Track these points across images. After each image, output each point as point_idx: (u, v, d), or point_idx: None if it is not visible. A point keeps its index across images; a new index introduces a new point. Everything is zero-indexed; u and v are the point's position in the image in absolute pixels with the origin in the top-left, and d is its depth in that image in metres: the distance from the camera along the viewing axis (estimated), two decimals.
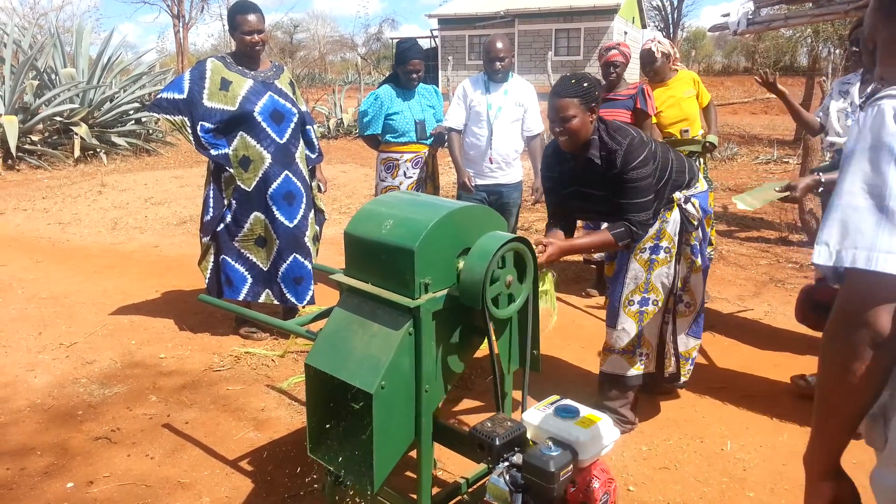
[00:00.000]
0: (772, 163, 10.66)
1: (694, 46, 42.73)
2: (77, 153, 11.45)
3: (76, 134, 11.53)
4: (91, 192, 9.18)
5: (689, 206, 2.99)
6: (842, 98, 3.72)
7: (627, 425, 3.07)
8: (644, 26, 35.27)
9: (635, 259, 2.98)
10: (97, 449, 3.04)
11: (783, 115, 17.84)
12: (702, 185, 3.11)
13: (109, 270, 5.77)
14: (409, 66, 4.37)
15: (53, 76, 12.26)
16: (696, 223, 3.00)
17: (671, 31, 41.73)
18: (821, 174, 2.92)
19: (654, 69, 4.73)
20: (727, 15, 7.01)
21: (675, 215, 2.98)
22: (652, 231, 2.95)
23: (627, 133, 2.79)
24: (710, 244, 4.44)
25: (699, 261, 3.04)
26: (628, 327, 3.01)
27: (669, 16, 44.60)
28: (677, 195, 2.99)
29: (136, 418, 3.30)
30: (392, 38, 37.56)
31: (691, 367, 3.19)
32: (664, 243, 2.97)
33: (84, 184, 9.77)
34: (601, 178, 2.82)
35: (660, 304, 3.01)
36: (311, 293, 4.19)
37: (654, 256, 2.97)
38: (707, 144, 4.68)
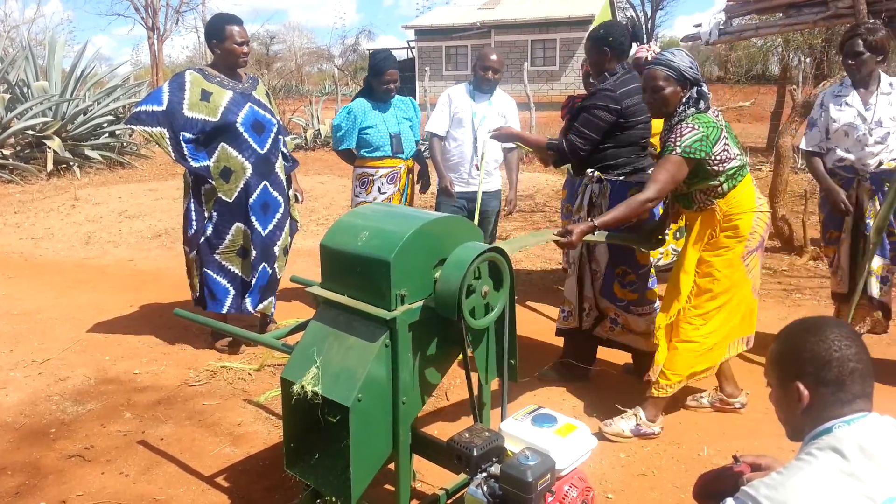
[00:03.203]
0: None
1: None
2: (50, 167, 11.29)
3: (49, 147, 11.38)
4: (64, 206, 9.06)
5: (595, 186, 3.41)
6: (841, 111, 3.66)
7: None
8: None
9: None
10: (70, 467, 2.99)
11: (755, 122, 18.12)
12: (638, 179, 3.37)
13: (83, 285, 5.70)
14: (385, 77, 4.30)
15: (25, 89, 12.10)
16: (596, 201, 3.40)
17: (645, 41, 42.20)
18: (595, 220, 2.94)
19: None
20: (699, 25, 7.11)
21: (588, 190, 3.43)
22: (576, 205, 3.51)
23: (613, 81, 3.33)
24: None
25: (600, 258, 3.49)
26: (563, 288, 3.67)
27: (644, 26, 45.16)
28: (590, 171, 3.41)
29: (110, 435, 3.25)
30: (369, 50, 37.63)
31: (622, 329, 3.54)
32: (578, 216, 3.47)
33: (57, 198, 9.64)
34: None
35: (574, 267, 3.55)
36: (268, 303, 4.20)
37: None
38: None
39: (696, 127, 2.83)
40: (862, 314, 3.71)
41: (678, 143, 2.83)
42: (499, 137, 3.67)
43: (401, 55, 33.09)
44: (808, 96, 6.85)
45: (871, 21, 3.70)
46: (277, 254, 4.17)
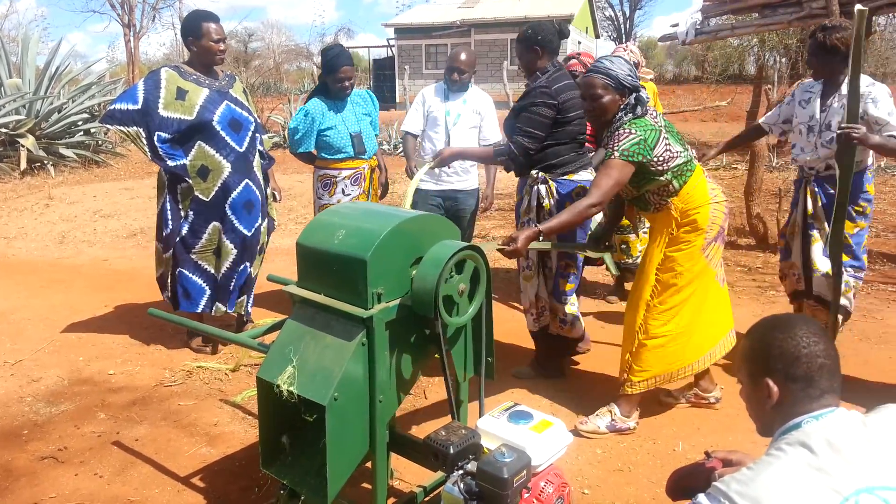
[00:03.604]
0: (721, 169, 10.91)
1: (646, 56, 43.55)
2: (23, 165, 11.12)
3: (22, 146, 11.20)
4: (38, 205, 8.93)
5: (541, 187, 3.48)
6: (803, 109, 3.64)
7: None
8: (597, 36, 35.85)
9: None
10: (43, 469, 2.95)
11: (732, 122, 18.29)
12: (572, 175, 3.51)
13: (57, 285, 5.62)
14: (339, 75, 4.10)
15: None
16: (544, 202, 3.48)
17: (624, 40, 42.50)
18: (538, 225, 2.91)
19: None
20: (676, 25, 7.18)
21: (534, 191, 3.49)
22: (524, 206, 3.55)
23: (546, 78, 3.42)
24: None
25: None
26: (523, 289, 3.67)
27: (622, 26, 45.48)
28: (534, 173, 3.48)
29: (83, 436, 3.21)
30: (348, 48, 37.47)
31: (570, 326, 3.65)
32: (527, 218, 3.52)
33: (31, 197, 9.50)
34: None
35: (533, 269, 3.59)
36: (243, 302, 4.19)
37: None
38: None
39: (633, 131, 2.87)
40: (820, 316, 3.64)
41: (616, 148, 2.86)
42: (441, 163, 3.66)
43: (380, 53, 33.03)
44: (783, 95, 6.94)
45: (837, 22, 3.64)
46: (258, 253, 4.16)
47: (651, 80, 5.12)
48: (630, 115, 2.95)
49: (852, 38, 3.08)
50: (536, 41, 3.48)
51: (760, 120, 4.02)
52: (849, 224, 3.49)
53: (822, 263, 3.58)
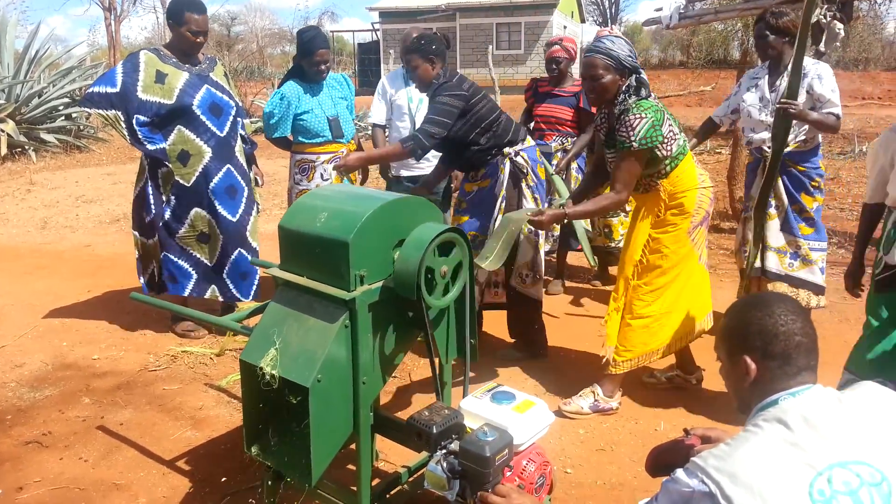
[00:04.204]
0: (705, 153, 10.96)
1: (631, 41, 43.54)
2: (4, 151, 10.99)
3: (2, 131, 11.06)
4: (19, 190, 8.84)
5: (518, 158, 3.54)
6: (751, 93, 3.76)
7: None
8: (583, 21, 35.78)
9: (500, 213, 3.49)
10: (27, 454, 2.95)
11: (716, 106, 18.34)
12: (528, 143, 3.63)
13: (39, 271, 5.58)
14: (315, 58, 3.96)
15: None
16: (525, 171, 3.55)
17: (609, 25, 42.45)
18: (566, 210, 3.07)
19: None
20: (660, 9, 7.18)
21: (507, 169, 3.52)
22: (499, 189, 3.53)
23: (453, 77, 3.51)
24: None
25: (540, 198, 3.62)
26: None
27: (607, 10, 45.38)
28: (507, 150, 3.52)
29: (68, 421, 3.21)
30: (332, 32, 37.16)
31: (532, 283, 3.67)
32: (503, 194, 3.52)
33: (12, 182, 9.40)
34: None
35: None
36: (255, 288, 4.16)
37: (501, 205, 3.53)
38: None
39: (643, 116, 2.85)
40: (757, 286, 3.78)
41: (632, 138, 2.85)
42: (348, 170, 3.93)
43: (365, 38, 32.78)
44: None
45: (785, 8, 3.80)
46: (251, 238, 4.13)
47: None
48: (634, 97, 2.92)
49: (800, 21, 3.27)
50: (432, 50, 3.49)
51: (712, 114, 4.13)
52: (808, 199, 3.69)
53: (775, 240, 3.70)
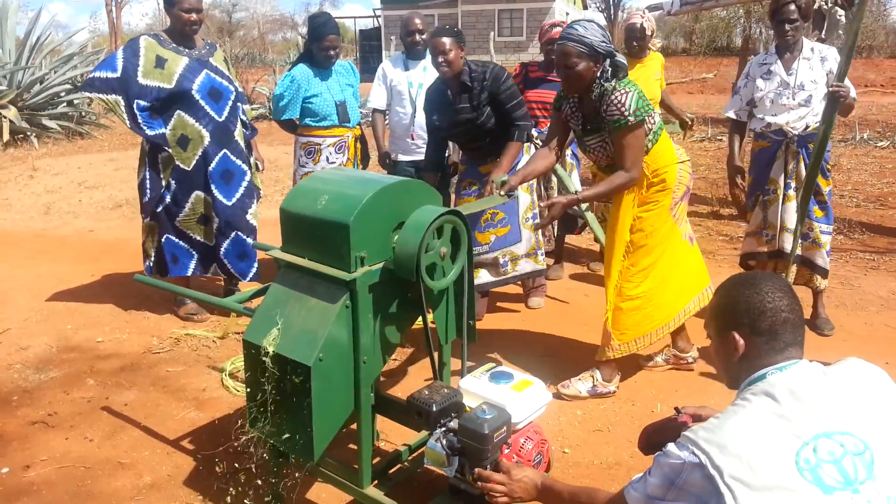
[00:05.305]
0: (706, 141, 10.96)
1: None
2: (6, 137, 11.00)
3: (5, 117, 11.07)
4: (22, 176, 8.87)
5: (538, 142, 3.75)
6: (766, 80, 3.79)
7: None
8: (585, 7, 35.62)
9: (524, 191, 3.72)
10: (34, 433, 3.00)
11: (718, 94, 18.32)
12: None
13: (43, 256, 5.62)
14: (325, 43, 4.07)
15: None
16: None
17: (612, 12, 42.21)
18: (580, 193, 3.15)
19: (642, 45, 4.68)
20: None
21: (532, 150, 3.72)
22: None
23: (489, 63, 3.68)
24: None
25: (529, 185, 3.79)
26: (527, 237, 3.83)
27: None
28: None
29: (73, 402, 3.26)
30: (335, 18, 36.97)
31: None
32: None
33: (14, 168, 9.42)
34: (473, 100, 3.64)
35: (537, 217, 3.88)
36: (255, 269, 4.20)
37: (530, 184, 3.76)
38: (689, 121, 5.24)
39: (626, 90, 2.86)
40: (773, 268, 3.87)
41: (626, 113, 2.84)
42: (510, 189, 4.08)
43: (367, 24, 32.66)
44: None
45: None
46: (252, 221, 4.16)
47: (658, 49, 5.05)
48: (614, 80, 2.90)
49: (811, 5, 3.47)
50: (462, 38, 3.61)
51: (729, 114, 4.06)
52: (823, 181, 3.76)
53: (790, 221, 3.77)
